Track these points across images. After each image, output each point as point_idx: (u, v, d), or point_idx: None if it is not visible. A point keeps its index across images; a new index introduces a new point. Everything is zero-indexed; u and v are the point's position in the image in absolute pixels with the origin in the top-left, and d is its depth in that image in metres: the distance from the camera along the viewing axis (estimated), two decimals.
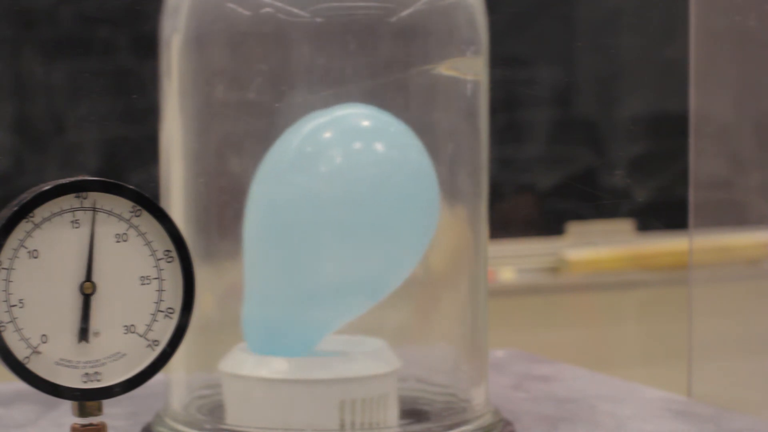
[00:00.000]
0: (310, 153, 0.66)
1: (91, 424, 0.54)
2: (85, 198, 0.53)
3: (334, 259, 0.66)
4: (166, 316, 0.55)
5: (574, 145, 1.72)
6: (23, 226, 0.52)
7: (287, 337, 0.67)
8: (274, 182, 0.67)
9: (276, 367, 0.66)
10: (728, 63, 0.81)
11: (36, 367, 0.53)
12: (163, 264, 0.55)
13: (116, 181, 0.54)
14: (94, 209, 0.53)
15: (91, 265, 0.53)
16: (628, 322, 1.70)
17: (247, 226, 0.67)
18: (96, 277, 0.53)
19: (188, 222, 0.70)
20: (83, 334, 0.53)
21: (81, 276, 0.53)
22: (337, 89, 0.69)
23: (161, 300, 0.55)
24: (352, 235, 0.65)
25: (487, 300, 0.73)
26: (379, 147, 0.67)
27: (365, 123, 0.67)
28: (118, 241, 0.54)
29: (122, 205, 0.54)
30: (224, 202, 0.69)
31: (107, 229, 0.54)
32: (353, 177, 0.66)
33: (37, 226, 0.52)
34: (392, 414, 0.68)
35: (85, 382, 0.54)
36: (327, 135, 0.66)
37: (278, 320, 0.67)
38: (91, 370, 0.54)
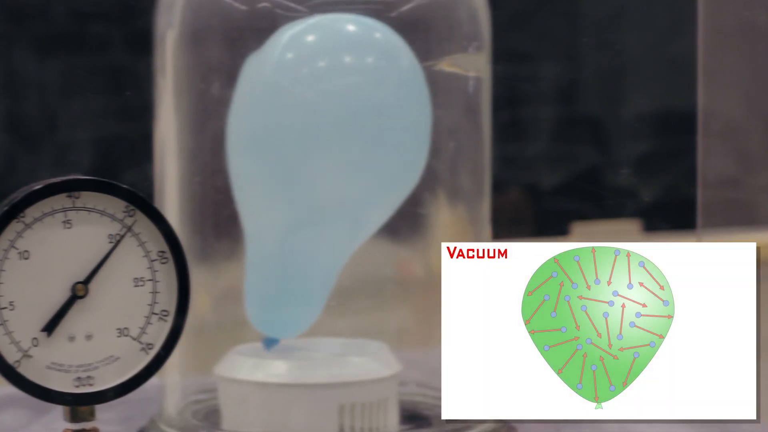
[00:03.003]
0: (291, 59, 0.65)
1: (83, 430, 0.54)
2: (77, 198, 0.53)
3: (314, 175, 0.64)
4: (161, 318, 0.54)
5: (578, 143, 1.72)
6: (14, 227, 0.52)
7: (280, 273, 0.66)
8: (256, 91, 0.65)
9: (273, 370, 0.66)
10: (736, 59, 0.80)
11: (27, 371, 0.52)
12: (157, 265, 0.54)
13: (109, 181, 0.53)
14: (128, 228, 0.53)
15: (98, 270, 0.53)
16: None
17: (230, 140, 0.66)
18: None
19: (183, 222, 0.70)
20: (50, 326, 0.52)
21: (74, 277, 0.53)
22: None
23: (155, 302, 0.54)
24: (335, 150, 0.64)
25: None
26: (367, 57, 0.65)
27: (351, 28, 0.66)
28: (111, 242, 0.53)
29: (115, 205, 0.53)
30: (220, 202, 0.69)
31: (100, 230, 0.53)
32: (335, 84, 0.64)
33: (28, 226, 0.52)
34: (392, 418, 0.67)
35: (77, 386, 0.53)
36: (310, 39, 0.65)
37: (267, 246, 0.66)
38: (83, 374, 0.53)
